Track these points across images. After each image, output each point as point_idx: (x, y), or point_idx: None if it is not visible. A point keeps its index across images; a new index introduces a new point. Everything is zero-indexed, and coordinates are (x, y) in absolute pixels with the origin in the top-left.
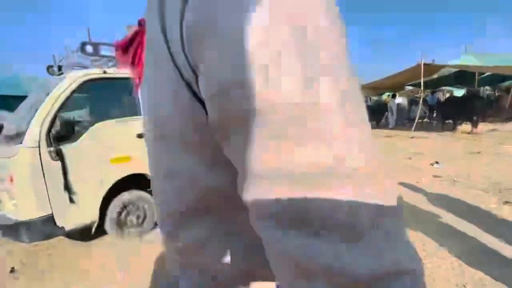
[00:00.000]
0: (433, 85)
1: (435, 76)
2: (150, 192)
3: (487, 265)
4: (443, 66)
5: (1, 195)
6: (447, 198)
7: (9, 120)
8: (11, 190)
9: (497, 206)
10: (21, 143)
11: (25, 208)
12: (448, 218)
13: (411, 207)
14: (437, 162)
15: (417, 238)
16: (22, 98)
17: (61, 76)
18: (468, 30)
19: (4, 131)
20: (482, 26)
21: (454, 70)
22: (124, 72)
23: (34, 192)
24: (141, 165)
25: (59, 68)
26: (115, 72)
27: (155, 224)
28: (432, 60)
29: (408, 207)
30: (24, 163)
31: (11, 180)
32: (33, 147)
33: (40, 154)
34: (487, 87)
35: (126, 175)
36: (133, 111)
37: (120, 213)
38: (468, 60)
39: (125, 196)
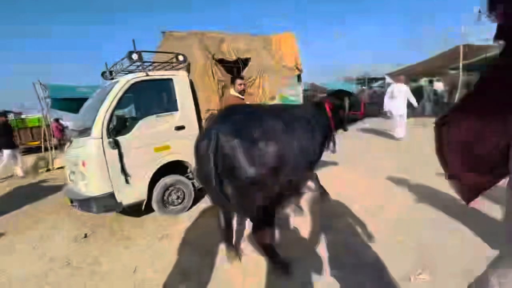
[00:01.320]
0: (482, 68)
1: (482, 56)
2: (187, 177)
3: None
4: (489, 47)
5: (76, 176)
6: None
7: (76, 119)
8: (83, 172)
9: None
10: (89, 135)
11: (94, 186)
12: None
13: (428, 190)
14: None
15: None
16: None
17: (114, 80)
18: None
19: (75, 127)
20: None
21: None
22: (162, 74)
23: (99, 173)
24: (179, 154)
25: (111, 73)
26: (155, 74)
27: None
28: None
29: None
30: (92, 151)
31: (83, 164)
32: (97, 138)
33: (102, 144)
34: None
35: (167, 162)
36: (172, 107)
37: (163, 194)
38: None
39: (167, 179)
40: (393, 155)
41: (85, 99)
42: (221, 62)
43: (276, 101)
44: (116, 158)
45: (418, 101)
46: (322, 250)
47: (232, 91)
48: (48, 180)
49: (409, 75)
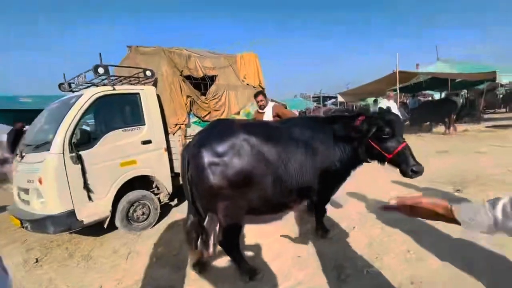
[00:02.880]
0: (414, 89)
1: (414, 80)
2: (153, 192)
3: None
4: (416, 74)
5: (31, 194)
6: (413, 188)
7: (32, 130)
8: (40, 190)
9: (450, 193)
10: (48, 150)
11: (52, 204)
12: None
13: (382, 195)
14: None
15: (382, 219)
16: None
17: (77, 93)
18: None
19: (29, 141)
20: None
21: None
22: (129, 88)
23: (59, 190)
24: (145, 168)
25: (69, 85)
26: (122, 88)
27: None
28: (416, 65)
29: (380, 195)
30: (51, 167)
31: (40, 181)
32: (58, 153)
33: (64, 159)
34: (465, 90)
35: (133, 176)
36: (139, 121)
37: (128, 210)
38: (440, 67)
39: (132, 195)
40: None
41: (27, 111)
42: (189, 78)
43: (240, 116)
44: (78, 174)
45: None
46: (288, 257)
47: (255, 107)
48: None
49: (357, 95)
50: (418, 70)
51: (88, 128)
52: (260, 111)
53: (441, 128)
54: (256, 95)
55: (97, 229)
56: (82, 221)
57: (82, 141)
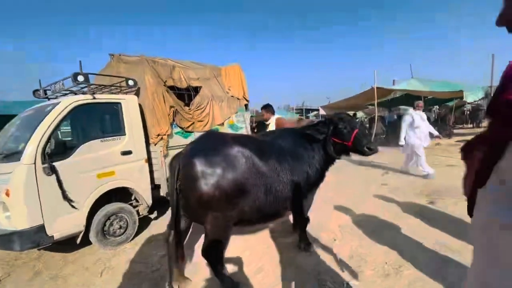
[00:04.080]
0: (391, 104)
1: (391, 96)
2: (131, 204)
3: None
4: (392, 90)
5: None
6: (390, 201)
7: (1, 138)
8: (6, 203)
9: (423, 206)
10: (18, 160)
11: (19, 218)
12: (387, 215)
13: (360, 207)
14: (386, 173)
15: (360, 227)
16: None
17: (54, 100)
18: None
19: (0, 150)
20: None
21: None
22: (109, 97)
23: (28, 204)
24: (124, 180)
25: (45, 92)
26: (102, 97)
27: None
28: (393, 80)
29: (358, 207)
30: (21, 178)
31: (7, 194)
32: (29, 164)
33: (35, 170)
34: (436, 106)
35: (110, 188)
36: (119, 131)
37: (104, 224)
38: (413, 84)
39: (109, 207)
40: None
41: None
42: (172, 88)
43: (225, 128)
44: (50, 186)
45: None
46: (270, 271)
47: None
48: None
49: (337, 108)
50: (394, 86)
51: (64, 138)
52: (266, 123)
53: None
54: (262, 108)
55: (69, 245)
56: (52, 237)
57: (57, 151)
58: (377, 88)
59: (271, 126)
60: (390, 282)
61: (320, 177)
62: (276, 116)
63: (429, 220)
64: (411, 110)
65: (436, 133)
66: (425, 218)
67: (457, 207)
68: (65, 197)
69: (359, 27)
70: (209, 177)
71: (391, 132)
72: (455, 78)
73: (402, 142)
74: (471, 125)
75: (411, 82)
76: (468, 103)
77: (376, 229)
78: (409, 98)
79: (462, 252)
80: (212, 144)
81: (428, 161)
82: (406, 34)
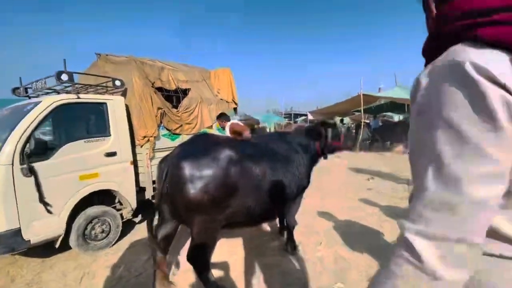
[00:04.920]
0: (376, 111)
1: (377, 103)
2: (114, 207)
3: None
4: (377, 98)
5: None
6: (374, 205)
7: None
8: None
9: (407, 209)
10: None
11: None
12: (371, 219)
13: (345, 212)
14: (372, 178)
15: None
16: None
17: (35, 99)
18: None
19: None
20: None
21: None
22: (95, 97)
23: (3, 206)
24: (108, 182)
25: (26, 90)
26: (87, 97)
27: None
28: (379, 88)
29: (343, 212)
30: None
31: None
32: (6, 164)
33: (12, 171)
34: None
35: (93, 190)
36: (103, 132)
37: (85, 227)
38: (397, 92)
39: (91, 210)
40: None
41: None
42: (160, 90)
43: (213, 130)
44: (29, 187)
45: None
46: (257, 275)
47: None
48: None
49: (325, 114)
50: (380, 93)
51: (45, 138)
52: (223, 130)
53: (401, 147)
54: (217, 118)
55: (47, 249)
56: (29, 241)
57: (36, 151)
58: (363, 95)
59: (227, 132)
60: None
61: (307, 181)
62: (230, 122)
63: None
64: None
65: None
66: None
67: None
68: (44, 199)
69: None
70: (198, 180)
71: (377, 137)
72: None
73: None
74: None
75: (396, 90)
76: None
77: (360, 233)
78: (395, 106)
79: None
80: (202, 146)
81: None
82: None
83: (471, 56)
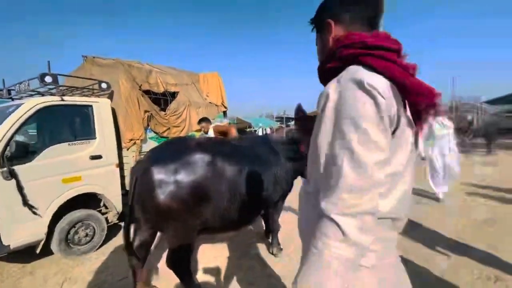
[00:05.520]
0: None
1: None
2: (99, 211)
3: None
4: None
5: None
6: None
7: None
8: None
9: None
10: None
11: None
12: None
13: None
14: None
15: None
16: None
17: (18, 101)
18: None
19: None
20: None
21: None
22: (80, 99)
23: None
24: (92, 185)
25: (9, 92)
26: (72, 99)
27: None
28: None
29: None
30: None
31: None
32: None
33: None
34: None
35: (76, 194)
36: (89, 135)
37: (68, 231)
38: None
39: (74, 214)
40: None
41: None
42: (148, 93)
43: (201, 133)
44: (9, 191)
45: None
46: (240, 278)
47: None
48: None
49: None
50: None
51: (26, 141)
52: (206, 135)
53: None
54: (198, 123)
55: (27, 254)
56: (8, 246)
57: (18, 154)
58: None
59: (211, 134)
60: None
61: (288, 185)
62: (212, 125)
63: None
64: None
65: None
66: None
67: (415, 212)
68: (25, 203)
69: None
70: (167, 186)
71: None
72: None
73: (421, 154)
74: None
75: None
76: None
77: None
78: None
79: (412, 251)
80: (173, 150)
81: None
82: None
83: (365, 76)
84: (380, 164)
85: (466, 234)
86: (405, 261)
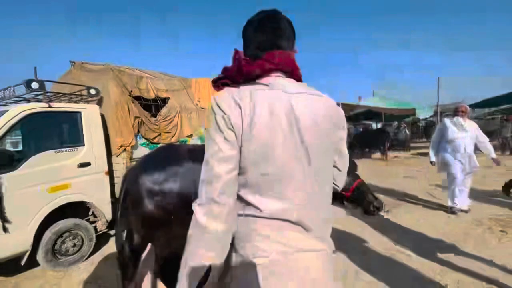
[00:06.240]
0: (356, 119)
1: (356, 111)
2: (88, 220)
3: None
4: (356, 106)
5: None
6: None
7: None
8: None
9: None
10: None
11: None
12: (343, 224)
13: None
14: None
15: None
16: None
17: (2, 108)
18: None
19: None
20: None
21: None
22: (68, 106)
23: None
24: (80, 194)
25: None
26: (60, 106)
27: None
28: (359, 97)
29: None
30: None
31: None
32: None
33: None
34: (396, 122)
35: (64, 203)
36: (77, 142)
37: (55, 242)
38: (376, 101)
39: (62, 224)
40: None
41: None
42: (139, 99)
43: (194, 139)
44: None
45: None
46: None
47: None
48: None
49: None
50: (360, 102)
51: (10, 148)
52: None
53: (377, 154)
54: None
55: (11, 266)
56: None
57: (1, 162)
58: (342, 104)
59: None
60: (348, 286)
61: None
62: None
63: (383, 227)
64: (447, 118)
65: (492, 154)
66: (378, 226)
67: (411, 217)
68: (9, 213)
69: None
70: (155, 195)
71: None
72: (406, 98)
73: (432, 158)
74: (425, 139)
75: (373, 99)
76: (422, 120)
77: (337, 238)
78: (372, 114)
79: (411, 256)
80: (163, 158)
81: (386, 173)
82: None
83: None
84: (221, 160)
85: None
86: None
